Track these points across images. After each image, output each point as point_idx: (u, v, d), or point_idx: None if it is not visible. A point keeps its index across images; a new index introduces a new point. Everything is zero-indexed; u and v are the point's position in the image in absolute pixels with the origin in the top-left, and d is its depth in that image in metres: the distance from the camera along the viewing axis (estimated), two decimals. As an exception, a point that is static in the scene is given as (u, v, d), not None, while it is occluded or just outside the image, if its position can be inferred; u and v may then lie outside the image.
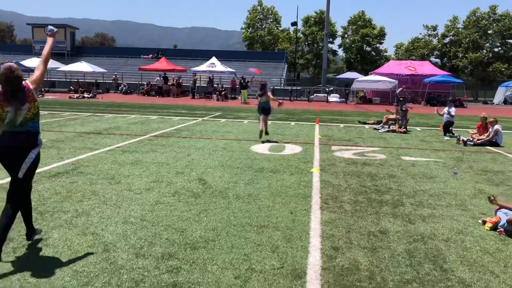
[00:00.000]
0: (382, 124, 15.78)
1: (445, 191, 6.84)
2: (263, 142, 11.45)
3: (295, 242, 4.51)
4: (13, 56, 44.31)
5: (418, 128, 16.46)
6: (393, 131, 14.96)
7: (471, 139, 12.63)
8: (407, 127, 15.22)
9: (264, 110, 11.85)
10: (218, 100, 30.70)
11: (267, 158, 9.16)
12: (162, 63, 36.29)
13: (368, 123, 17.54)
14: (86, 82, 37.44)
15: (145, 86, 36.11)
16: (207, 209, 5.49)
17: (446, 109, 14.67)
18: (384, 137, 13.49)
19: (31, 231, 4.33)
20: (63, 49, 47.62)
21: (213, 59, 34.22)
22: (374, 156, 9.96)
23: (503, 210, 5.23)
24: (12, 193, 4.04)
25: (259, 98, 12.05)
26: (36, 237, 4.38)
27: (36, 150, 4.08)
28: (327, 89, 36.96)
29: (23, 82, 4.00)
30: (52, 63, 36.25)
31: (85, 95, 29.96)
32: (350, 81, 37.68)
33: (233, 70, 35.09)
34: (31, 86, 4.05)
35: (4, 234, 3.90)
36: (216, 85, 33.70)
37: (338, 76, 44.79)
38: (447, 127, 14.31)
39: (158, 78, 35.21)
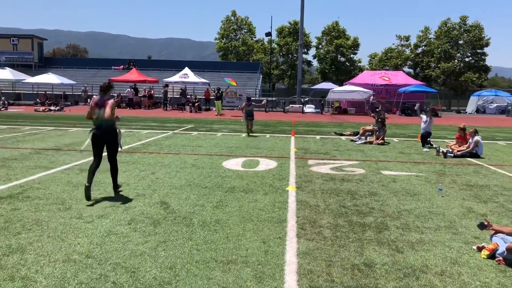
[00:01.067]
0: (359, 135, 15.33)
1: (431, 211, 6.28)
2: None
3: (267, 281, 3.82)
4: (-23, 67, 42.49)
5: (395, 139, 16.08)
6: (370, 142, 14.50)
7: (450, 150, 12.25)
8: (385, 138, 14.79)
9: (250, 116, 16.32)
10: (191, 111, 29.90)
11: (240, 175, 8.47)
12: (133, 74, 35.29)
13: (344, 135, 17.08)
14: (54, 95, 36.11)
15: (115, 98, 34.95)
16: (167, 241, 4.76)
17: (424, 117, 14.31)
18: (361, 149, 12.99)
19: (114, 184, 6.84)
20: (30, 61, 46.02)
21: (186, 70, 33.45)
22: (353, 170, 9.39)
23: (500, 235, 4.68)
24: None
25: (245, 108, 16.61)
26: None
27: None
28: (302, 100, 36.64)
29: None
30: (17, 75, 34.91)
31: (52, 108, 28.72)
32: (325, 92, 37.46)
33: (207, 81, 34.41)
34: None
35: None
36: (189, 96, 32.89)
37: (313, 87, 44.65)
38: (425, 138, 13.92)
39: (129, 89, 34.17)
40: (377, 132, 14.78)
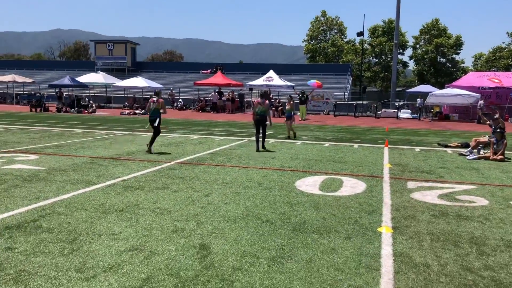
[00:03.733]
0: (470, 148, 12.49)
1: None
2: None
3: None
4: (77, 72, 44.88)
5: (517, 154, 12.94)
6: (486, 158, 11.67)
7: None
8: (505, 152, 11.84)
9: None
10: (273, 116, 28.29)
11: (315, 203, 6.49)
12: (218, 78, 34.58)
13: (450, 146, 14.26)
14: (143, 98, 36.69)
15: (199, 101, 34.57)
16: (180, 332, 2.96)
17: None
18: (476, 167, 10.29)
19: (262, 145, 12.16)
20: (124, 65, 47.77)
21: (271, 73, 31.95)
22: (471, 200, 6.95)
23: None
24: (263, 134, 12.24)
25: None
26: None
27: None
28: (397, 104, 33.38)
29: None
30: (109, 79, 35.94)
31: (137, 111, 28.78)
32: (423, 95, 33.76)
33: (292, 84, 32.62)
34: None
35: (260, 144, 12.19)
36: (273, 100, 31.32)
37: (409, 90, 40.80)
38: None
39: (213, 93, 33.52)
40: (495, 145, 11.89)
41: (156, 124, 11.08)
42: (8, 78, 36.90)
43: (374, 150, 12.98)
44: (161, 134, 12.10)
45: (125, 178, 7.99)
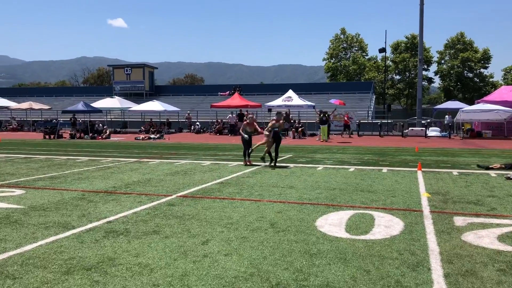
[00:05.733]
0: (519, 171, 10.84)
1: None
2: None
3: None
4: (95, 97, 44.59)
5: None
6: (540, 182, 10.00)
7: None
8: (562, 175, 10.16)
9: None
10: (294, 137, 26.94)
11: (341, 253, 5.05)
12: (235, 99, 33.55)
13: (492, 168, 12.60)
14: (160, 122, 35.90)
15: (216, 124, 33.50)
16: None
17: None
18: (531, 195, 8.65)
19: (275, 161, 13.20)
20: (141, 89, 47.38)
21: (290, 92, 30.68)
22: (544, 245, 5.38)
23: None
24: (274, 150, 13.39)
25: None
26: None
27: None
28: (424, 122, 31.59)
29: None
30: (124, 103, 35.32)
31: (152, 136, 27.83)
32: (452, 112, 31.90)
33: (313, 104, 31.27)
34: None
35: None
36: (292, 121, 29.99)
37: (437, 107, 38.91)
38: None
39: (230, 115, 32.43)
40: (549, 167, 10.22)
41: (251, 141, 14.03)
42: (25, 105, 36.75)
43: (406, 175, 11.43)
44: (170, 160, 11.11)
45: (111, 218, 6.70)
